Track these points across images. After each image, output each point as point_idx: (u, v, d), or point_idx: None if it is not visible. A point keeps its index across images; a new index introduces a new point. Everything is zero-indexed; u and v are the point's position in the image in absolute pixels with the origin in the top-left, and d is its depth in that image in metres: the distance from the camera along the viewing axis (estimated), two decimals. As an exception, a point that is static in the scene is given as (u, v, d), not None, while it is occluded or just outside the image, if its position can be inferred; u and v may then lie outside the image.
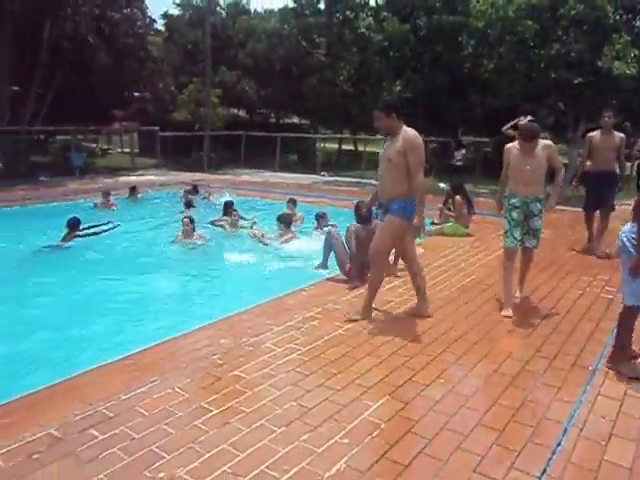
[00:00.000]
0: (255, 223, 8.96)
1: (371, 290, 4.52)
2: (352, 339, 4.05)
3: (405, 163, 4.10)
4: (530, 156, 4.58)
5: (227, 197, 11.10)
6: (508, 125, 7.39)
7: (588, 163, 6.87)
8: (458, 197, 8.29)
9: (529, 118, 6.82)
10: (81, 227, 7.84)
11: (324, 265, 6.19)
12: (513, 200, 4.71)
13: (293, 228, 8.27)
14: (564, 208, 8.74)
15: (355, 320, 4.41)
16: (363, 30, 19.06)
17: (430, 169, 14.57)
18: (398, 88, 18.58)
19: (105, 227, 8.32)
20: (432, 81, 17.40)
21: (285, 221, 8.14)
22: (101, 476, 2.46)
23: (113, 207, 10.56)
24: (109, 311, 5.35)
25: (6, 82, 14.87)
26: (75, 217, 7.86)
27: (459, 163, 15.94)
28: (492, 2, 15.58)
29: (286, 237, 7.91)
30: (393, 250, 5.02)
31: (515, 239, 4.74)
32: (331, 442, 2.75)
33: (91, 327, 4.91)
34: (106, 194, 10.76)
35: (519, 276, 5.09)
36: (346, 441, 2.76)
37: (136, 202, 11.55)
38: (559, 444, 2.80)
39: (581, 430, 2.94)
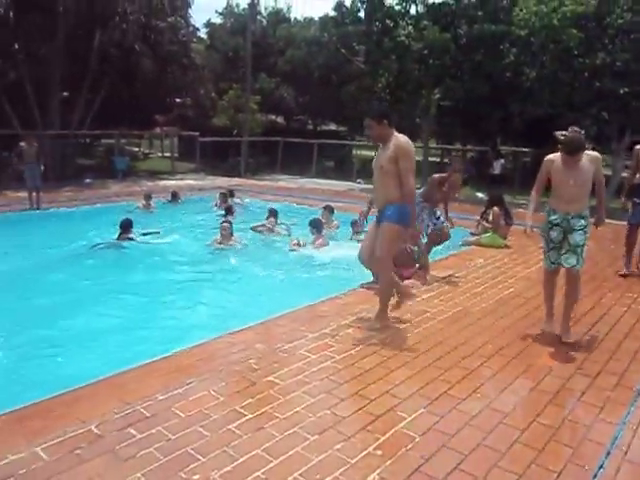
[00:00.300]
0: (289, 229, 9.03)
1: (385, 297, 4.50)
2: (387, 349, 4.02)
3: (397, 170, 4.11)
4: (574, 170, 4.15)
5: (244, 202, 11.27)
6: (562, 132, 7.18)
7: (637, 176, 6.63)
8: (496, 208, 8.15)
9: (574, 128, 6.63)
10: (133, 230, 8.12)
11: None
12: (553, 217, 4.29)
13: (326, 234, 8.30)
14: (608, 221, 8.46)
15: (376, 329, 4.38)
16: (403, 38, 18.99)
17: (467, 178, 14.39)
18: (437, 96, 18.44)
19: (152, 232, 8.55)
20: (471, 89, 17.20)
21: (316, 226, 8.16)
22: (138, 475, 2.51)
23: (152, 210, 10.84)
24: (147, 311, 5.48)
25: (58, 89, 15.47)
26: (128, 219, 8.16)
27: (497, 173, 15.68)
28: (536, 11, 15.30)
29: (318, 242, 7.92)
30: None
31: (553, 262, 4.40)
32: (364, 453, 2.73)
33: (129, 326, 5.04)
34: (147, 197, 11.09)
35: (563, 310, 4.41)
36: (380, 453, 2.74)
37: (176, 206, 11.80)
38: (601, 467, 2.71)
39: (625, 453, 2.84)
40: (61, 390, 3.26)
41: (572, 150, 4.14)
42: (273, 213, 9.44)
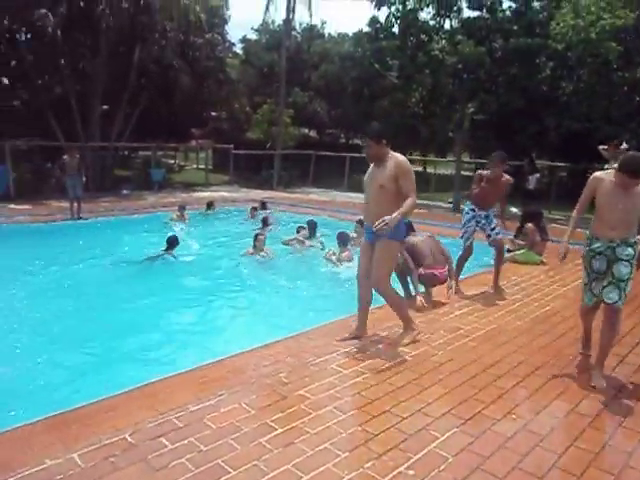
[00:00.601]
0: (322, 242, 9.04)
1: (402, 313, 4.46)
2: (419, 366, 3.97)
3: (397, 188, 4.12)
4: (628, 194, 3.65)
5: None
6: (605, 146, 7.00)
7: None
8: (530, 224, 7.99)
9: (624, 146, 6.36)
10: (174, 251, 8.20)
11: (408, 294, 5.73)
12: (595, 245, 3.80)
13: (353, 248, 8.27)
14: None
15: (405, 344, 4.34)
16: (437, 52, 18.97)
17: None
18: (471, 110, 18.31)
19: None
20: (506, 103, 17.03)
21: (343, 239, 8.14)
22: (170, 485, 2.54)
23: (186, 220, 11.04)
24: (178, 322, 5.56)
25: (99, 103, 16.00)
26: (174, 236, 8.29)
27: (533, 187, 15.38)
28: (573, 25, 15.09)
29: (344, 255, 7.89)
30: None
31: (594, 295, 3.91)
32: (396, 472, 2.69)
33: (161, 336, 5.13)
34: (181, 208, 11.32)
35: (598, 352, 3.96)
36: (412, 472, 2.69)
37: (209, 217, 11.98)
38: (644, 496, 2.60)
39: (670, 483, 2.72)
40: (97, 398, 3.33)
41: (634, 172, 3.55)
42: (312, 225, 9.43)
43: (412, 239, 5.80)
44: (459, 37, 18.02)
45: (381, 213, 4.08)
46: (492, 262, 6.35)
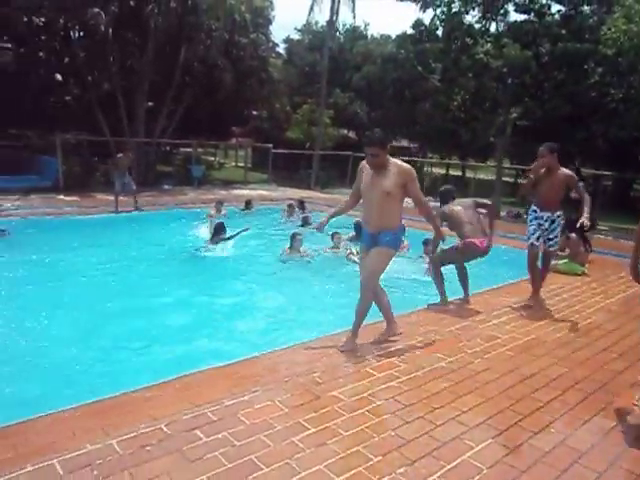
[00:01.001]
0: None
1: (360, 317, 4.33)
2: (455, 374, 3.91)
3: (402, 194, 4.14)
4: None
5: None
6: None
7: None
8: (573, 234, 7.76)
9: None
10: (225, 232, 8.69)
11: (444, 299, 5.64)
12: None
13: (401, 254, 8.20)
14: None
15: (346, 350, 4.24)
16: (481, 56, 18.69)
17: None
18: (514, 115, 17.95)
19: (241, 230, 9.04)
20: (552, 109, 16.63)
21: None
22: (204, 477, 2.57)
23: (224, 216, 11.18)
24: (215, 317, 5.62)
25: (144, 99, 16.40)
26: (221, 223, 8.79)
27: (576, 196, 14.95)
28: (625, 30, 14.61)
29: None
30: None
31: None
32: (429, 480, 2.66)
33: (197, 329, 5.21)
34: (219, 203, 11.51)
35: None
36: (445, 481, 2.66)
37: (247, 214, 12.10)
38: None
39: None
40: (135, 387, 3.42)
41: None
42: (360, 228, 9.31)
43: (451, 207, 5.66)
44: (505, 40, 17.70)
45: (384, 219, 4.13)
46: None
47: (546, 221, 5.60)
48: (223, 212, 11.36)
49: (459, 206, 5.72)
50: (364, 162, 4.27)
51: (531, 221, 5.68)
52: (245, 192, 15.77)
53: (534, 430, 3.19)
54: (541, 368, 4.13)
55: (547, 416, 3.38)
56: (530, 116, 17.88)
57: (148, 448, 2.78)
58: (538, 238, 5.62)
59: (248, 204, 12.43)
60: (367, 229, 4.33)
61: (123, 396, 3.31)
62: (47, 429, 2.92)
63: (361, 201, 4.41)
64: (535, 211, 5.68)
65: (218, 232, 8.51)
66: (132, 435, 2.88)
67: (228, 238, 8.53)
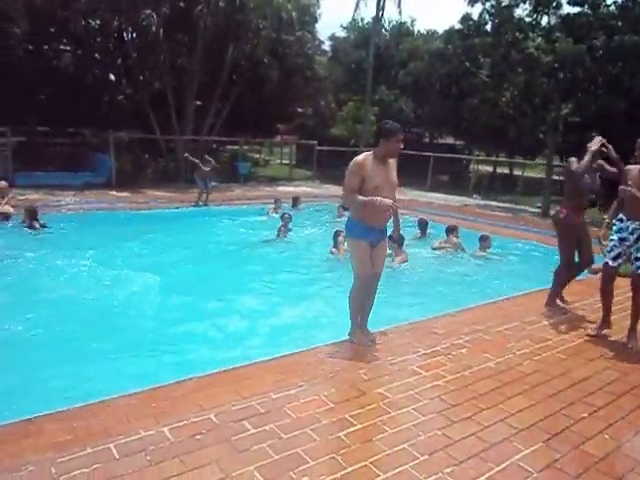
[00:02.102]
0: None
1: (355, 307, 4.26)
2: (503, 374, 3.83)
3: None
4: None
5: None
6: None
7: None
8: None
9: None
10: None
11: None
12: None
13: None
14: None
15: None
16: (532, 50, 18.11)
17: (596, 199, 13.26)
18: (565, 111, 17.33)
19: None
20: (606, 105, 15.95)
21: (397, 241, 7.94)
22: (251, 468, 2.63)
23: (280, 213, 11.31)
24: (263, 311, 5.70)
25: (193, 98, 16.78)
26: (289, 214, 9.50)
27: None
28: (691, 20, 13.87)
29: (400, 257, 7.70)
30: None
31: None
32: (477, 481, 2.62)
33: (247, 322, 5.30)
34: (277, 201, 11.71)
35: None
36: (493, 483, 2.61)
37: (295, 211, 12.16)
38: None
39: None
40: (186, 376, 3.52)
41: None
42: (452, 230, 8.92)
43: None
44: (557, 34, 17.11)
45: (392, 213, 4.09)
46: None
47: (632, 234, 4.46)
48: (281, 209, 11.48)
49: None
50: (362, 157, 4.05)
51: (612, 234, 4.63)
52: (290, 189, 15.90)
53: (587, 436, 3.10)
54: (594, 372, 4.00)
55: (601, 422, 3.27)
56: (583, 112, 17.22)
57: (198, 437, 2.86)
58: (616, 257, 4.56)
59: (296, 201, 12.50)
60: (377, 224, 4.11)
61: (173, 385, 3.42)
62: (103, 414, 3.04)
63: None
64: (621, 220, 4.57)
65: (285, 224, 9.09)
66: (182, 424, 2.97)
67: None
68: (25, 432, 2.82)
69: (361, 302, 4.23)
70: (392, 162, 4.12)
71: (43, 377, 3.85)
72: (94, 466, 2.56)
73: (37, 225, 8.56)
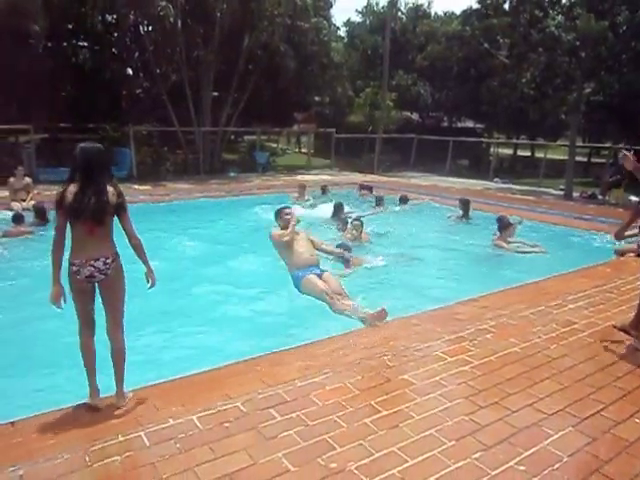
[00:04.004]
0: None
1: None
2: (530, 359, 3.79)
3: None
4: None
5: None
6: None
7: None
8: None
9: None
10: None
11: None
12: None
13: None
14: None
15: None
16: (552, 29, 17.67)
17: (620, 179, 12.97)
18: (588, 90, 16.90)
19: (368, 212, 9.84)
20: (630, 83, 15.53)
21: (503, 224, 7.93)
22: (279, 454, 2.65)
23: (307, 200, 11.27)
24: (287, 300, 5.68)
25: (210, 89, 16.80)
26: (340, 202, 9.53)
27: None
28: None
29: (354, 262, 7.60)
30: None
31: None
32: (506, 466, 2.60)
33: (269, 311, 5.31)
34: (302, 188, 11.62)
35: None
36: (522, 468, 2.59)
37: (324, 198, 12.02)
38: None
39: None
40: (212, 365, 3.56)
41: None
42: (504, 223, 8.16)
43: None
44: (578, 11, 16.64)
45: None
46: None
47: None
48: (306, 197, 11.43)
49: None
50: None
51: None
52: (308, 177, 15.87)
53: (617, 420, 3.05)
54: (622, 356, 3.93)
55: (631, 406, 3.22)
56: (606, 91, 16.82)
57: (226, 425, 2.89)
58: None
59: (324, 189, 12.44)
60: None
61: (200, 375, 3.46)
62: (132, 403, 3.09)
63: None
64: None
65: (337, 210, 9.15)
66: (210, 412, 3.01)
67: (357, 219, 8.36)
68: (61, 421, 2.90)
69: None
70: None
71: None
72: (126, 454, 2.62)
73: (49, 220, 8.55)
